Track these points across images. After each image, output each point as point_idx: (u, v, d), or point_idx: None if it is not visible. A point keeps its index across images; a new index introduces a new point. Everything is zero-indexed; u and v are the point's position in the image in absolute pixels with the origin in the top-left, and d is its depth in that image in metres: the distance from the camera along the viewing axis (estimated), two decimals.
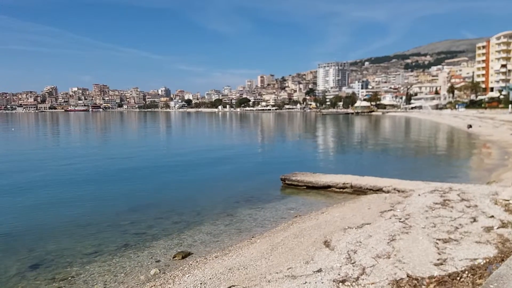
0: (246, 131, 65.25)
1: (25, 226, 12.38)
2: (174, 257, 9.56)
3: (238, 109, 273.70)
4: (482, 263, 6.51)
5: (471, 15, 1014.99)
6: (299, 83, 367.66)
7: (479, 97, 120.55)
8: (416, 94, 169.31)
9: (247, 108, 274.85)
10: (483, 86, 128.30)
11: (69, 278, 8.54)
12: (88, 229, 11.92)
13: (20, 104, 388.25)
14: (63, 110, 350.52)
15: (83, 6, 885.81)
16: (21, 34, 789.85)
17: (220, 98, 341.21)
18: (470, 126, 51.54)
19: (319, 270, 6.98)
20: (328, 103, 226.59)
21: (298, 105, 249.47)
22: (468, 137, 42.63)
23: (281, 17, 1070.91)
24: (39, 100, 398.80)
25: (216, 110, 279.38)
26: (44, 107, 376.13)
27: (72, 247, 10.41)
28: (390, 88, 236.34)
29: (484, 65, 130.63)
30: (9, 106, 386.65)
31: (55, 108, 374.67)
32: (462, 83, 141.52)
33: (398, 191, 14.35)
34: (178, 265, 9.10)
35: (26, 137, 56.56)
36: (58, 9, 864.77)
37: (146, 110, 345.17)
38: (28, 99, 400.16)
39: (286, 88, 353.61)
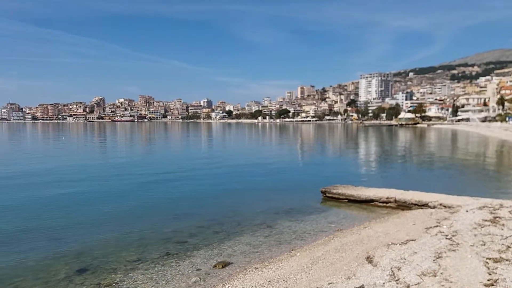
0: (286, 142, 65.12)
1: (73, 231, 12.91)
2: (214, 267, 9.64)
3: (278, 120, 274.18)
4: None
5: None
6: (340, 94, 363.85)
7: None
8: (463, 106, 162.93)
9: (287, 119, 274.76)
10: None
11: (114, 284, 8.79)
12: (132, 236, 12.26)
13: (70, 114, 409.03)
14: (110, 120, 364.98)
15: (126, 19, 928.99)
16: (69, 47, 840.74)
17: (260, 109, 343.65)
18: None
19: (361, 287, 6.81)
20: (370, 114, 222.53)
21: (339, 116, 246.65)
22: None
23: (319, 27, 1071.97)
24: (87, 111, 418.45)
25: (256, 121, 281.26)
26: (92, 117, 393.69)
27: (117, 253, 10.73)
28: (436, 99, 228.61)
29: None
30: (60, 116, 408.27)
31: (103, 118, 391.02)
32: None
33: (445, 206, 13.80)
34: (218, 274, 9.17)
35: (75, 146, 59.21)
36: (102, 22, 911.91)
37: (188, 120, 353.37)
38: (77, 109, 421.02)
39: (327, 99, 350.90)
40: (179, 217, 14.62)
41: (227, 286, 8.11)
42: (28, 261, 10.18)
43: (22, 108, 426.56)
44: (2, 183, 22.57)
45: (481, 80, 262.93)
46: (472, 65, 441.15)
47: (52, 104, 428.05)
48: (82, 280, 9.03)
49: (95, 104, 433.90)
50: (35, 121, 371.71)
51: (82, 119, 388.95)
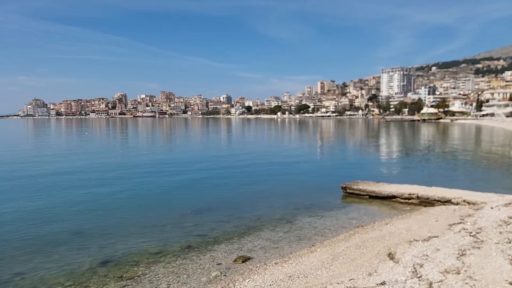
0: (305, 138, 64.81)
1: (96, 224, 13.19)
2: (234, 261, 9.71)
3: (297, 116, 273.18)
4: None
5: None
6: (361, 88, 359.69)
7: None
8: (487, 101, 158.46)
9: (306, 115, 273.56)
10: None
11: (136, 277, 8.95)
12: (153, 230, 12.45)
13: (93, 110, 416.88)
14: (132, 116, 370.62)
15: (147, 16, 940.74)
16: (93, 44, 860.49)
17: (280, 104, 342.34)
18: None
19: (383, 283, 6.75)
20: (392, 109, 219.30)
21: (360, 111, 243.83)
22: None
23: (342, 21, 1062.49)
24: (110, 106, 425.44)
25: (275, 116, 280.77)
26: (114, 113, 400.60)
27: (139, 246, 10.92)
28: (459, 94, 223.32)
29: None
30: (83, 112, 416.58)
31: (125, 114, 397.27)
32: None
33: (469, 203, 13.53)
34: (238, 268, 9.23)
35: (98, 141, 60.28)
36: (125, 20, 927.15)
37: (208, 116, 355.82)
38: (100, 105, 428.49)
39: (347, 94, 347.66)
40: (200, 212, 14.76)
41: (247, 280, 8.15)
42: (53, 254, 10.45)
43: (46, 104, 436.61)
44: (28, 181, 23.20)
45: (507, 74, 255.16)
46: (498, 59, 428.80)
47: (75, 100, 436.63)
48: (105, 272, 9.23)
49: (117, 100, 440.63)
50: (59, 117, 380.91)
51: (104, 114, 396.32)
